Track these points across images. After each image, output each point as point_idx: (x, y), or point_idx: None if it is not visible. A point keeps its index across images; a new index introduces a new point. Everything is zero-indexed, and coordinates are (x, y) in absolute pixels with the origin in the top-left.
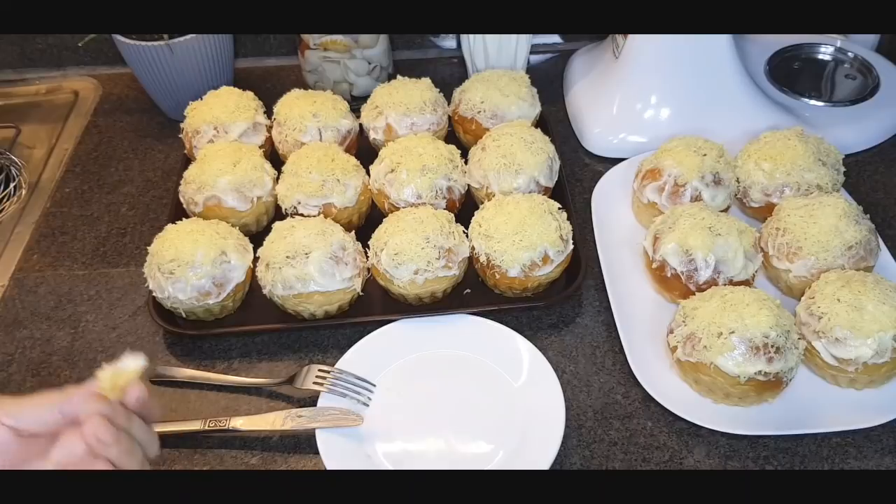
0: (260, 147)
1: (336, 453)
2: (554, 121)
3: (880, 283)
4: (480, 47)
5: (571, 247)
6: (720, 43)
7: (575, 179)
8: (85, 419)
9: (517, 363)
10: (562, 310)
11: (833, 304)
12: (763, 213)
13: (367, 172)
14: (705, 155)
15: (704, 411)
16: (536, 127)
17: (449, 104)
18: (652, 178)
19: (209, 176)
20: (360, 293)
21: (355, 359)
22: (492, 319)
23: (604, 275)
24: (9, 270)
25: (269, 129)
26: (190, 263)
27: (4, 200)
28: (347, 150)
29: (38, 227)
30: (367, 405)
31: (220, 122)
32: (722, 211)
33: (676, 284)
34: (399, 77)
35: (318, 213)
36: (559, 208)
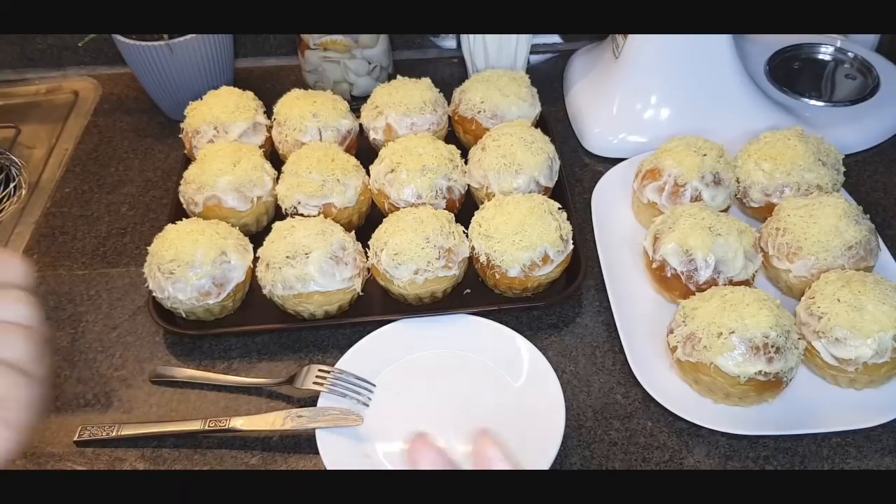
0: (260, 147)
1: (336, 453)
2: (554, 121)
3: (880, 283)
4: (480, 47)
5: (571, 247)
6: (720, 43)
7: (575, 179)
8: None
9: (517, 363)
10: (562, 310)
11: (833, 304)
12: (763, 213)
13: (367, 172)
14: (705, 155)
15: (704, 411)
16: (536, 127)
17: (449, 104)
18: (652, 178)
19: (209, 176)
20: (360, 293)
21: (355, 359)
22: (492, 319)
23: (604, 275)
24: None
25: (269, 129)
26: (190, 263)
27: (4, 200)
28: (347, 150)
29: (38, 227)
30: (367, 405)
31: (220, 122)
32: (722, 211)
33: (676, 284)
34: (399, 77)
35: (318, 213)
36: (559, 208)
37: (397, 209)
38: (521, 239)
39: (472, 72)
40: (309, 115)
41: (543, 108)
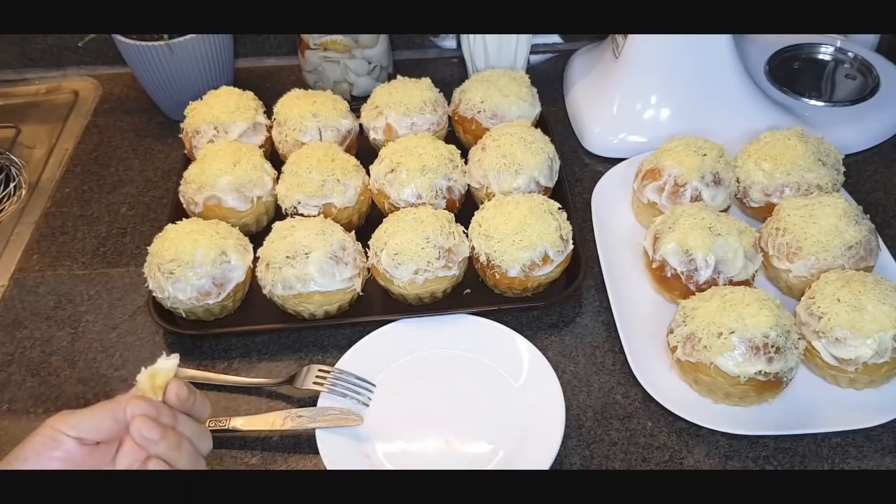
0: (260, 147)
1: (336, 453)
2: (554, 121)
3: (880, 283)
4: (480, 47)
5: (571, 247)
6: (720, 43)
7: (575, 179)
8: (130, 422)
9: (517, 363)
10: (562, 310)
11: (833, 304)
12: (763, 213)
13: (367, 172)
14: (705, 155)
15: (704, 411)
16: (536, 127)
17: (449, 104)
18: (652, 178)
19: (209, 176)
20: (360, 293)
21: (355, 359)
22: (492, 319)
23: (604, 275)
24: (9, 270)
25: (269, 129)
26: (190, 263)
27: (4, 200)
28: (347, 150)
29: (38, 227)
30: (367, 405)
31: (220, 122)
32: (722, 211)
33: (676, 284)
34: (399, 77)
35: (318, 213)
36: (559, 208)
37: (397, 209)
38: (521, 239)
39: (472, 72)
40: (309, 115)
41: (543, 108)
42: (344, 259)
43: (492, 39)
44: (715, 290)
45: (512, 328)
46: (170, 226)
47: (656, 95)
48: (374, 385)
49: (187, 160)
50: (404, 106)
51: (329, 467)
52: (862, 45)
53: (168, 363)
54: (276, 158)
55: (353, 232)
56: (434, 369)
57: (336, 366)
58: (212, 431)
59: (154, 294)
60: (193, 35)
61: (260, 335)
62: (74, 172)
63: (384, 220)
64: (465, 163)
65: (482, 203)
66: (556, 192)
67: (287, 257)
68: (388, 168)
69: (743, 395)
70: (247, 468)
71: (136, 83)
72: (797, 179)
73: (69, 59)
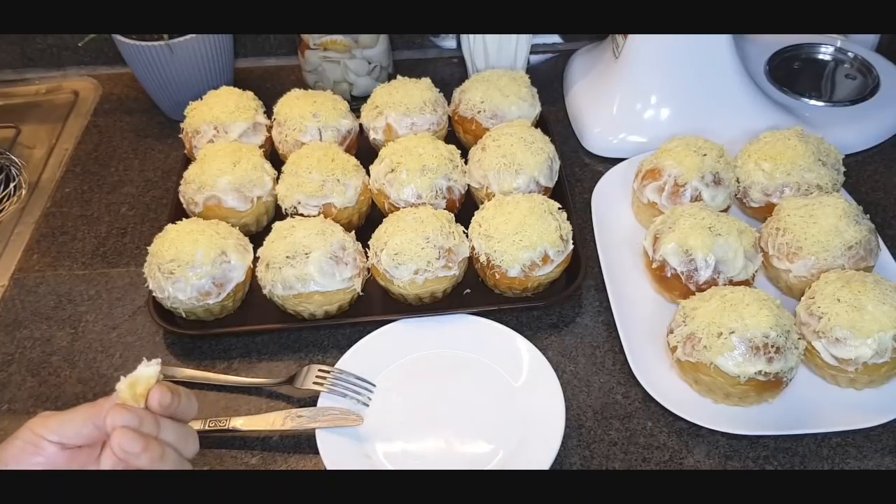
0: (260, 147)
1: (336, 453)
2: (554, 121)
3: (880, 283)
4: (480, 47)
5: (571, 247)
6: (720, 43)
7: (575, 179)
8: (111, 433)
9: (517, 363)
10: (562, 310)
11: (833, 304)
12: (763, 213)
13: (367, 172)
14: (705, 155)
15: (704, 411)
16: (536, 127)
17: (449, 104)
18: (652, 178)
19: (209, 176)
20: (360, 293)
21: (355, 359)
22: (492, 319)
23: (604, 275)
24: (9, 270)
25: (269, 129)
26: (190, 263)
27: (4, 200)
28: (347, 150)
29: (38, 227)
30: (367, 405)
31: (220, 122)
32: (722, 211)
33: (676, 284)
34: (399, 77)
35: (318, 213)
36: (559, 208)
37: (397, 209)
38: (521, 239)
39: (472, 72)
40: (309, 115)
41: (543, 108)
42: (344, 259)
43: (492, 39)
44: (715, 290)
45: (512, 328)
46: (170, 226)
47: (656, 95)
48: (374, 385)
49: (187, 160)
50: (404, 106)
51: (329, 467)
52: (862, 45)
53: (148, 370)
54: (276, 158)
55: (353, 232)
56: (434, 369)
57: (336, 366)
58: (212, 431)
59: (154, 294)
60: (193, 35)
61: (260, 335)
62: (74, 172)
63: (384, 220)
64: (465, 163)
65: (482, 203)
66: (556, 192)
67: (287, 257)
68: (388, 168)
69: (743, 395)
70: (247, 468)
71: (136, 83)
72: (797, 179)
73: (69, 59)
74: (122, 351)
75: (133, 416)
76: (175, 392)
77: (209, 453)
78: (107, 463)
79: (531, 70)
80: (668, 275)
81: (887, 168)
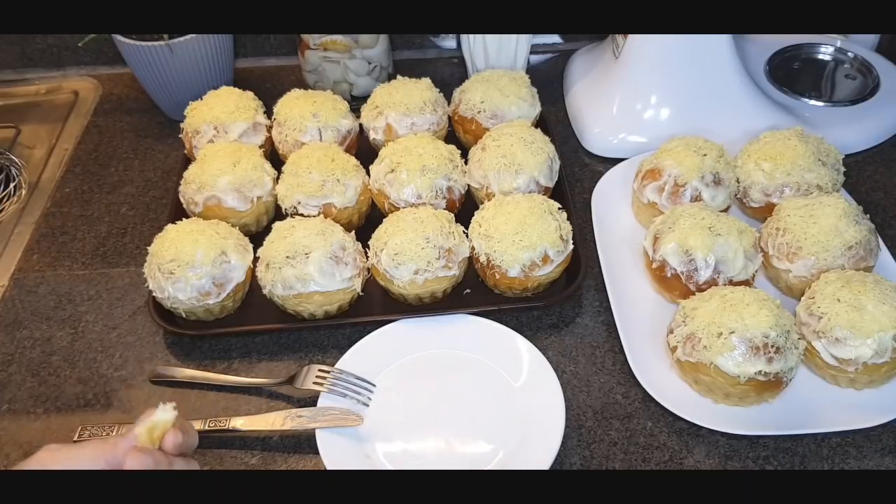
0: (260, 147)
1: (336, 453)
2: (554, 121)
3: (880, 283)
4: (480, 47)
5: (571, 247)
6: (720, 43)
7: (575, 179)
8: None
9: (517, 363)
10: (562, 310)
11: (833, 304)
12: (763, 213)
13: (367, 172)
14: (705, 155)
15: (704, 411)
16: (536, 127)
17: (449, 104)
18: (652, 178)
19: (209, 176)
20: (360, 293)
21: (355, 359)
22: (492, 319)
23: (604, 275)
24: (9, 270)
25: (269, 129)
26: (190, 263)
27: (4, 200)
28: (347, 150)
29: (38, 227)
30: (367, 405)
31: (220, 122)
32: (722, 211)
33: (676, 284)
34: (399, 77)
35: (318, 213)
36: (559, 208)
37: (397, 209)
38: (521, 239)
39: (472, 72)
40: (309, 115)
41: (543, 108)
42: (344, 259)
43: (492, 39)
44: (715, 290)
45: (512, 328)
46: (170, 226)
47: (656, 95)
48: (374, 385)
49: (187, 160)
50: (404, 106)
51: (329, 467)
52: (862, 45)
53: (166, 416)
54: (276, 158)
55: (353, 232)
56: (434, 369)
57: (336, 366)
58: (212, 431)
59: (154, 294)
60: (193, 35)
61: (260, 335)
62: (74, 172)
63: (384, 220)
64: (465, 163)
65: (482, 203)
66: (556, 192)
67: (287, 257)
68: (388, 168)
69: (743, 395)
70: (247, 468)
71: (136, 83)
72: (797, 179)
73: (69, 59)
74: (122, 351)
75: (152, 461)
76: (186, 431)
77: (209, 453)
78: None
79: (531, 70)
80: (668, 275)
81: (887, 168)
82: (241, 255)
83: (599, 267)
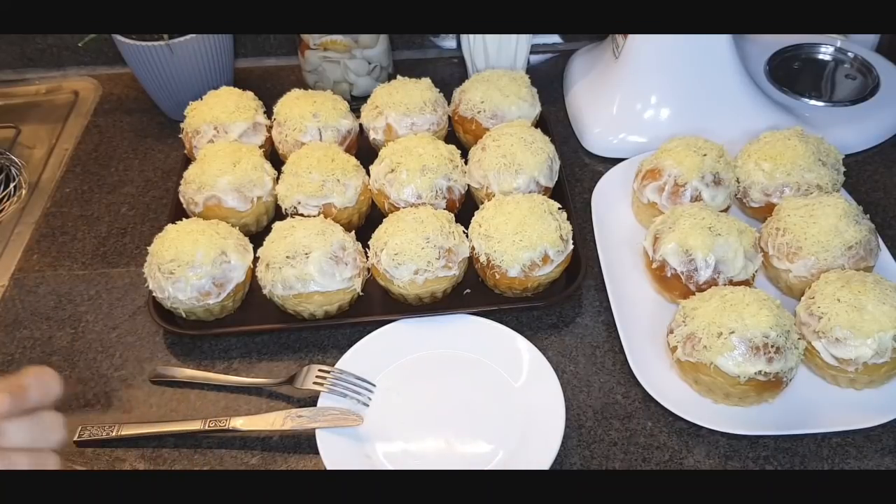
0: (260, 147)
1: (336, 453)
2: (554, 121)
3: (880, 283)
4: (480, 47)
5: (571, 247)
6: (720, 43)
7: (575, 179)
8: None
9: (517, 363)
10: (562, 310)
11: (833, 304)
12: (763, 213)
13: (367, 172)
14: (705, 155)
15: (704, 411)
16: (536, 127)
17: (449, 104)
18: (652, 178)
19: (209, 176)
20: (360, 293)
21: (355, 359)
22: (492, 319)
23: (604, 275)
24: (9, 270)
25: (269, 129)
26: (190, 263)
27: (4, 200)
28: (347, 150)
29: (38, 227)
30: (367, 405)
31: (220, 122)
32: (722, 211)
33: (676, 284)
34: (399, 77)
35: (318, 213)
36: (559, 208)
37: (397, 209)
38: (521, 239)
39: (472, 72)
40: (309, 115)
41: (543, 108)
42: (344, 259)
43: (492, 39)
44: (715, 290)
45: (512, 328)
46: (170, 226)
47: (656, 95)
48: (374, 385)
49: (187, 160)
50: (404, 106)
51: (329, 467)
52: (862, 45)
53: None
54: (276, 158)
55: (353, 232)
56: (434, 369)
57: (336, 366)
58: (212, 431)
59: (154, 294)
60: (193, 35)
61: (260, 335)
62: (74, 172)
63: (384, 220)
64: (465, 163)
65: (482, 203)
66: (556, 192)
67: (287, 257)
68: (388, 168)
69: (743, 395)
70: (247, 468)
71: (136, 83)
72: (797, 179)
73: (69, 59)
74: (122, 351)
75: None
76: (16, 390)
77: (209, 453)
78: None
79: (531, 70)
80: (668, 275)
81: (887, 168)
82: (241, 255)
83: (599, 267)
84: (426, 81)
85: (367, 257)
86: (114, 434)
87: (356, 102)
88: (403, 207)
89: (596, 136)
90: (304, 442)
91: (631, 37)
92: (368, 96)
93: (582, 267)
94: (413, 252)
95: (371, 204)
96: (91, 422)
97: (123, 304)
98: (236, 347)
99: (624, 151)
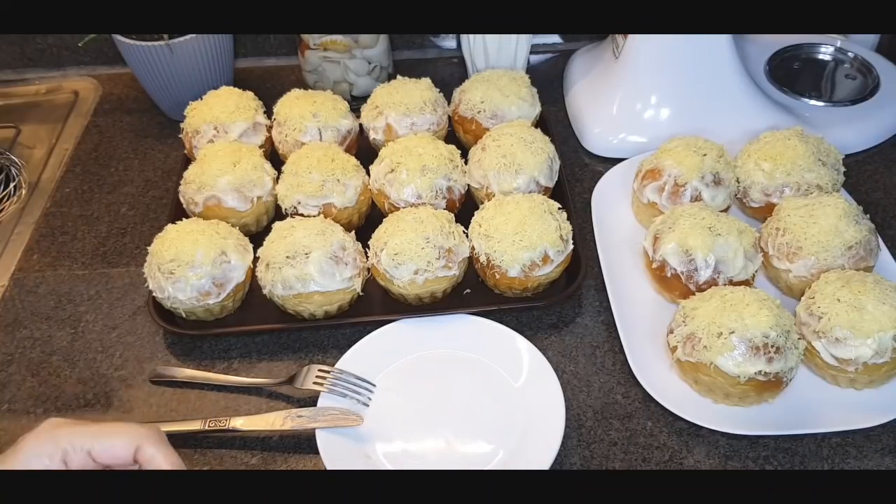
0: (260, 147)
1: (336, 453)
2: (554, 121)
3: (880, 283)
4: (480, 47)
5: (571, 247)
6: (720, 43)
7: (575, 179)
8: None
9: (517, 363)
10: (562, 310)
11: (833, 304)
12: (763, 213)
13: (367, 172)
14: (705, 155)
15: (704, 411)
16: (536, 127)
17: (449, 104)
18: (652, 178)
19: (209, 176)
20: (360, 293)
21: (355, 359)
22: (492, 319)
23: (604, 275)
24: (9, 270)
25: (269, 129)
26: (190, 263)
27: (4, 200)
28: (347, 150)
29: (38, 227)
30: (367, 405)
31: (220, 122)
32: (722, 211)
33: (676, 284)
34: (399, 77)
35: (318, 213)
36: (559, 208)
37: (397, 209)
38: (521, 239)
39: (472, 72)
40: (309, 115)
41: (543, 108)
42: (344, 259)
43: (492, 39)
44: (715, 290)
45: (512, 328)
46: (170, 226)
47: (656, 95)
48: (374, 385)
49: (187, 160)
50: (404, 106)
51: (329, 467)
52: (862, 45)
53: None
54: (276, 158)
55: (353, 232)
56: (434, 369)
57: (336, 366)
58: (212, 431)
59: (154, 294)
60: (193, 35)
61: (260, 335)
62: (74, 172)
63: (384, 220)
64: (465, 163)
65: (482, 203)
66: (556, 192)
67: (287, 257)
68: (388, 168)
69: (743, 395)
70: (247, 468)
71: (136, 83)
72: (797, 179)
73: (69, 59)
74: (122, 351)
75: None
76: None
77: (209, 453)
78: None
79: (531, 70)
80: (668, 275)
81: (887, 168)
82: (241, 255)
83: (599, 267)
84: (426, 81)
85: (367, 257)
86: None
87: (356, 102)
88: (403, 207)
89: (596, 136)
90: (304, 442)
91: (631, 37)
92: (368, 96)
93: (582, 267)
94: (413, 252)
95: (371, 204)
96: None
97: (123, 304)
98: (236, 347)
99: (624, 151)
